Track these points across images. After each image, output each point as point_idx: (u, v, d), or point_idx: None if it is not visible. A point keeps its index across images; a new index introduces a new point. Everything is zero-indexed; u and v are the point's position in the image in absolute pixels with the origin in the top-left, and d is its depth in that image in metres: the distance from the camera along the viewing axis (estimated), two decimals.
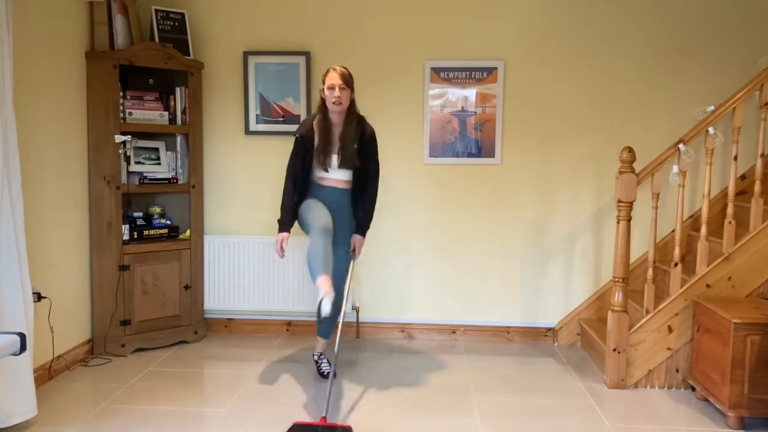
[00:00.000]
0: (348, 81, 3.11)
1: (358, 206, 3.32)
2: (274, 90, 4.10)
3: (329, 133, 3.17)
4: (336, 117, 3.18)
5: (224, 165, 4.18)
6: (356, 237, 3.33)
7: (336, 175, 3.24)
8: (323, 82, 3.14)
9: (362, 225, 3.34)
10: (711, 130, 3.26)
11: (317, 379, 3.41)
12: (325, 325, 3.40)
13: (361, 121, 3.24)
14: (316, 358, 3.50)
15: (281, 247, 3.19)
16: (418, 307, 4.19)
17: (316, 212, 3.14)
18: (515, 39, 3.99)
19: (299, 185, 3.22)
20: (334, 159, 3.19)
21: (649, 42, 3.94)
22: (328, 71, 3.13)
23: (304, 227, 3.21)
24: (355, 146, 3.18)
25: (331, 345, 3.74)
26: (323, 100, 3.16)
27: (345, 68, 3.15)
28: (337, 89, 3.07)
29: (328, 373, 3.39)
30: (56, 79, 3.38)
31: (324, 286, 2.90)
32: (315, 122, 3.20)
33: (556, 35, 3.97)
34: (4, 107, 2.68)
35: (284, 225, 3.21)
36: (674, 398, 3.25)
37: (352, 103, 3.19)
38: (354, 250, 3.33)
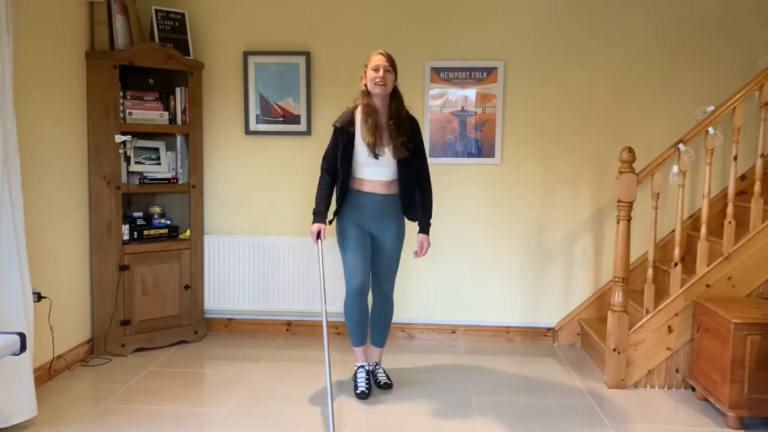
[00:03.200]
0: (393, 64, 3.02)
1: (412, 210, 3.16)
2: (274, 90, 4.10)
3: (374, 119, 3.01)
4: (379, 101, 3.03)
5: (224, 165, 4.18)
6: (423, 237, 3.18)
7: (379, 175, 3.05)
8: (366, 66, 3.04)
9: (425, 225, 3.19)
10: (711, 130, 3.26)
11: (317, 379, 3.40)
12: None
13: (408, 113, 3.12)
14: (370, 369, 3.38)
15: (317, 237, 3.09)
16: (418, 307, 4.19)
17: (355, 251, 3.06)
18: (515, 39, 3.99)
19: (334, 180, 3.11)
20: (386, 148, 3.01)
21: (649, 42, 3.94)
22: (371, 56, 3.05)
23: (340, 250, 3.15)
24: (406, 130, 3.05)
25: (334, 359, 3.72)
26: (365, 87, 3.03)
27: (389, 53, 3.05)
28: (381, 70, 2.97)
29: (362, 392, 3.22)
30: (56, 79, 3.38)
31: (361, 357, 3.28)
32: (357, 111, 3.06)
33: (556, 35, 3.97)
34: (4, 107, 2.68)
35: (320, 216, 3.10)
36: (674, 398, 3.25)
37: (396, 89, 3.08)
38: (421, 250, 3.20)
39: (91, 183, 3.67)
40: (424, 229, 3.20)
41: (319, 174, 3.17)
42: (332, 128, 3.13)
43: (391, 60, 3.02)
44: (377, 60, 3.01)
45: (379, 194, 3.08)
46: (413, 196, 3.14)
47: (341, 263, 3.18)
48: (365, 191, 3.08)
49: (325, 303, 3.05)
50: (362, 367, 3.30)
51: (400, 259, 3.27)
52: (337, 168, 3.08)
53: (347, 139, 3.04)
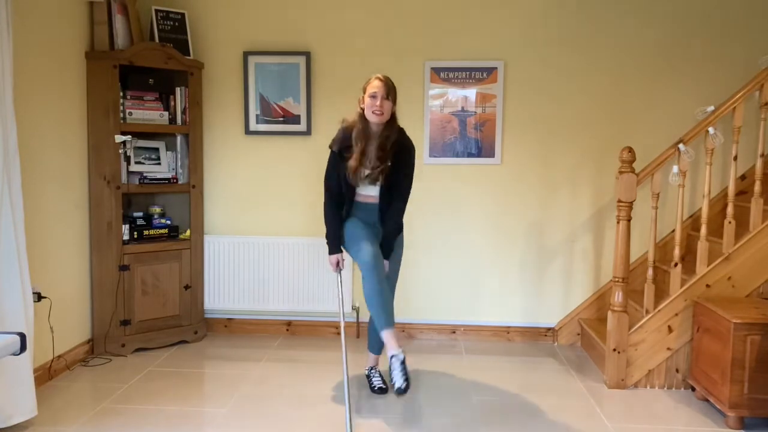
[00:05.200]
0: (391, 91, 2.96)
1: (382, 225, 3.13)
2: (274, 90, 4.10)
3: (364, 145, 2.99)
4: (375, 128, 3.00)
5: (224, 165, 4.18)
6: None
7: (372, 191, 3.08)
8: (364, 91, 2.98)
9: (385, 247, 3.11)
10: (711, 130, 3.26)
11: (317, 379, 3.40)
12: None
13: (401, 135, 3.06)
14: (368, 372, 3.36)
15: (336, 267, 3.13)
16: (418, 307, 4.19)
17: (363, 242, 2.99)
18: (515, 39, 3.99)
19: (339, 200, 3.09)
20: (366, 174, 3.01)
21: (649, 42, 3.94)
22: (369, 79, 2.98)
23: (349, 251, 3.11)
24: (388, 163, 3.00)
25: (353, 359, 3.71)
26: (361, 112, 2.99)
27: (388, 78, 2.98)
28: (379, 99, 2.91)
29: (380, 388, 3.23)
30: (56, 79, 3.38)
31: (391, 342, 2.85)
32: (353, 135, 3.01)
33: (556, 35, 3.97)
34: (4, 107, 2.68)
35: (333, 246, 3.11)
36: (674, 398, 3.25)
37: (393, 116, 3.02)
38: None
39: (91, 183, 3.67)
40: (385, 254, 3.09)
41: (323, 195, 3.13)
42: (329, 148, 3.10)
43: (389, 86, 2.95)
44: (375, 87, 2.94)
45: (377, 203, 3.10)
46: (385, 216, 3.12)
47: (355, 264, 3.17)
48: (364, 202, 3.12)
49: (344, 322, 3.09)
50: (395, 356, 2.87)
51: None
52: (340, 190, 3.07)
53: (345, 164, 3.01)
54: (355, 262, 3.23)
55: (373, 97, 2.93)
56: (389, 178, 3.02)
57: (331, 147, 3.08)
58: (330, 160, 3.10)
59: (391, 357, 2.85)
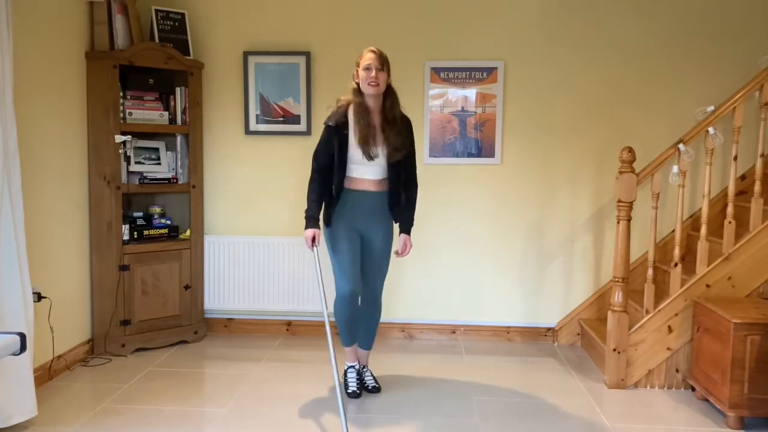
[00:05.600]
0: (385, 62, 2.93)
1: (397, 208, 3.11)
2: (274, 90, 4.10)
3: (368, 119, 2.94)
4: (372, 101, 2.96)
5: (224, 165, 4.18)
6: (405, 237, 3.12)
7: (370, 174, 3.00)
8: (357, 65, 2.95)
9: (407, 225, 3.13)
10: (711, 130, 3.26)
11: (317, 379, 3.40)
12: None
13: (399, 106, 3.05)
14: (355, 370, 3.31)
15: (312, 243, 3.02)
16: (418, 307, 4.19)
17: (345, 275, 3.00)
18: (515, 39, 3.99)
19: (326, 178, 3.02)
20: (379, 149, 2.95)
21: (649, 42, 3.94)
22: (361, 53, 2.95)
23: (331, 260, 3.09)
24: (401, 131, 2.98)
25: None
26: (357, 86, 2.96)
27: (380, 50, 2.96)
28: (374, 70, 2.88)
29: (353, 392, 3.22)
30: (56, 79, 3.38)
31: (351, 356, 3.28)
32: (350, 109, 2.98)
33: (556, 35, 3.97)
34: (4, 107, 2.68)
35: (313, 220, 3.02)
36: (674, 398, 3.25)
37: (389, 87, 2.99)
38: (403, 251, 3.12)
39: (91, 183, 3.67)
40: (406, 229, 3.14)
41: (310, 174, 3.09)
42: (324, 124, 3.03)
43: (382, 58, 2.92)
44: (369, 59, 2.91)
45: (370, 191, 3.03)
46: (400, 194, 3.10)
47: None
48: (356, 189, 3.03)
49: (326, 307, 3.04)
50: (352, 366, 3.29)
51: (390, 261, 3.19)
52: (330, 167, 3.00)
53: (342, 139, 2.97)
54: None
55: (368, 69, 2.90)
56: (398, 153, 2.98)
57: (326, 123, 3.01)
58: (323, 137, 3.02)
59: (348, 368, 3.28)
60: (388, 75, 2.97)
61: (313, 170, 3.05)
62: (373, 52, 2.93)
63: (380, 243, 3.10)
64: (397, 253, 3.13)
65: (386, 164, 3.00)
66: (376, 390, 3.25)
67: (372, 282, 3.16)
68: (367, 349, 3.31)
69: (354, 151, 2.97)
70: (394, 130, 2.98)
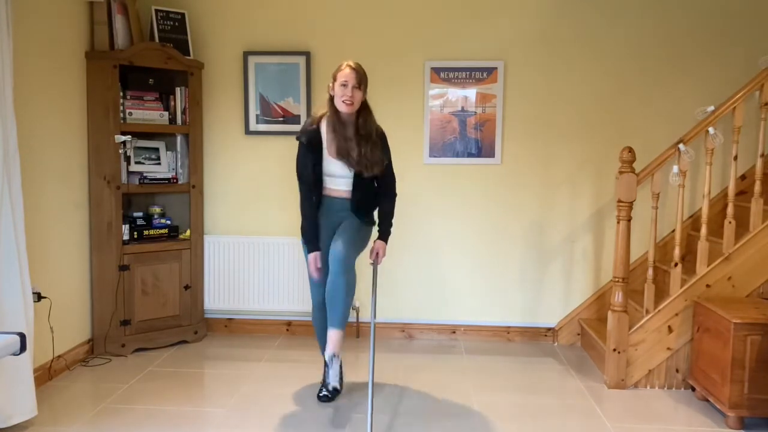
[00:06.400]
0: (363, 80, 2.86)
1: (358, 210, 3.01)
2: (274, 90, 4.10)
3: (344, 132, 2.89)
4: (346, 116, 2.91)
5: (224, 165, 4.18)
6: (378, 243, 3.09)
7: (343, 185, 2.96)
8: (334, 78, 2.88)
9: (385, 231, 3.10)
10: (711, 130, 3.26)
11: (317, 380, 3.41)
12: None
13: (374, 120, 2.99)
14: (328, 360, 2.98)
15: (316, 268, 2.97)
16: (419, 307, 4.19)
17: (316, 283, 2.99)
18: (515, 39, 3.99)
19: (316, 191, 2.96)
20: (354, 162, 2.89)
21: (650, 42, 3.94)
22: (340, 66, 2.87)
23: (306, 259, 3.03)
24: (374, 142, 2.92)
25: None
26: (331, 98, 2.90)
27: (360, 65, 2.88)
28: (350, 88, 2.82)
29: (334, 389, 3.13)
30: (56, 79, 3.38)
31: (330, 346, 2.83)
32: (322, 123, 2.94)
33: (556, 35, 3.97)
34: (4, 107, 2.68)
35: (312, 244, 2.97)
36: (674, 398, 3.25)
37: (366, 105, 2.94)
38: (377, 256, 3.09)
39: (91, 183, 3.67)
40: (383, 237, 3.10)
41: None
42: (297, 140, 2.96)
43: (360, 75, 2.84)
44: (346, 75, 2.83)
45: (342, 197, 2.99)
46: (365, 201, 3.01)
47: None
48: (327, 195, 3.00)
49: (374, 317, 3.01)
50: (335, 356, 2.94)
51: (364, 249, 3.06)
52: (316, 181, 2.95)
53: (316, 153, 2.91)
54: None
55: (344, 85, 2.83)
56: (376, 168, 2.92)
57: (298, 138, 2.96)
58: (299, 153, 2.96)
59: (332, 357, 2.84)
60: (364, 93, 2.90)
61: (301, 190, 2.99)
62: (351, 68, 2.85)
63: (351, 223, 2.98)
64: (371, 262, 3.10)
65: (363, 177, 2.94)
66: (335, 392, 3.12)
67: (335, 245, 2.86)
68: (334, 326, 2.81)
69: (328, 164, 2.93)
70: (370, 144, 2.91)
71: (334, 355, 2.80)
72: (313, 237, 2.98)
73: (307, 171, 2.95)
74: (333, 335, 2.79)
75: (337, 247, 2.83)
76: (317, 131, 2.94)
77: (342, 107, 2.86)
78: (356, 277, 2.91)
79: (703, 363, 3.12)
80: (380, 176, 3.01)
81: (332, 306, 2.81)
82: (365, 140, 2.91)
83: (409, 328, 4.21)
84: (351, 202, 3.00)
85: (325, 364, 3.00)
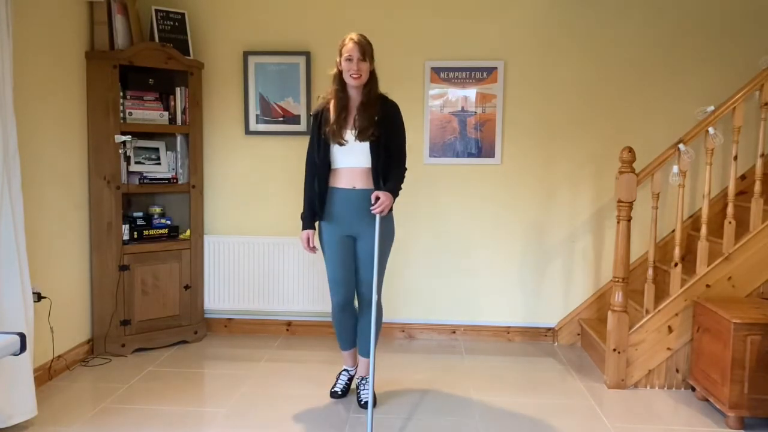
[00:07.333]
0: (367, 51, 2.80)
1: (377, 183, 2.90)
2: (274, 90, 4.10)
3: (346, 105, 2.87)
4: (355, 91, 2.87)
5: (224, 165, 4.18)
6: (382, 192, 2.83)
7: (350, 162, 2.87)
8: (340, 53, 2.83)
9: (390, 187, 2.89)
10: (711, 130, 3.26)
11: (317, 380, 3.40)
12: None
13: (383, 96, 2.93)
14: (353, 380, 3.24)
15: (308, 245, 2.97)
16: (418, 307, 4.19)
17: (338, 285, 2.97)
18: (515, 39, 3.99)
19: (320, 173, 2.92)
20: (349, 131, 2.85)
21: (650, 42, 3.94)
22: (344, 41, 2.82)
23: (324, 257, 3.02)
24: (375, 118, 2.83)
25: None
26: (340, 73, 2.86)
27: (363, 36, 2.82)
28: (355, 61, 2.78)
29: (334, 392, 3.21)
30: (56, 79, 3.38)
31: (348, 360, 3.20)
32: (334, 96, 2.90)
33: (556, 35, 3.97)
34: (4, 107, 2.68)
35: (307, 221, 2.97)
36: (674, 398, 3.25)
37: (373, 75, 2.88)
38: (375, 204, 2.82)
39: (91, 183, 3.67)
40: (388, 188, 2.87)
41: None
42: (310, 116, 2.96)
43: (363, 47, 2.79)
44: (349, 50, 2.79)
45: (357, 189, 2.89)
46: (380, 170, 2.90)
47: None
48: (342, 187, 2.91)
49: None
50: (346, 370, 3.23)
51: (389, 259, 3.08)
52: (317, 162, 2.92)
53: (322, 126, 2.89)
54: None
55: (349, 60, 2.79)
56: (381, 138, 2.86)
57: (310, 113, 2.96)
58: (312, 129, 2.97)
59: (342, 371, 3.23)
60: (371, 63, 2.85)
61: (306, 168, 3.00)
62: (353, 41, 2.80)
63: (368, 247, 2.92)
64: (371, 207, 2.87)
65: (367, 149, 2.86)
66: (366, 407, 3.03)
67: (368, 287, 2.97)
68: (364, 356, 3.10)
69: (330, 134, 2.89)
70: (369, 111, 2.85)
71: (362, 378, 3.14)
72: (308, 215, 2.99)
73: (315, 151, 2.94)
74: (363, 362, 3.13)
75: (369, 291, 2.98)
76: (327, 105, 2.94)
77: (350, 81, 2.83)
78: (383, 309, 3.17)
79: (703, 363, 3.12)
80: (384, 146, 2.88)
81: (363, 336, 3.10)
82: (365, 107, 2.87)
83: (409, 328, 4.21)
84: (372, 174, 2.89)
85: (345, 370, 3.26)
